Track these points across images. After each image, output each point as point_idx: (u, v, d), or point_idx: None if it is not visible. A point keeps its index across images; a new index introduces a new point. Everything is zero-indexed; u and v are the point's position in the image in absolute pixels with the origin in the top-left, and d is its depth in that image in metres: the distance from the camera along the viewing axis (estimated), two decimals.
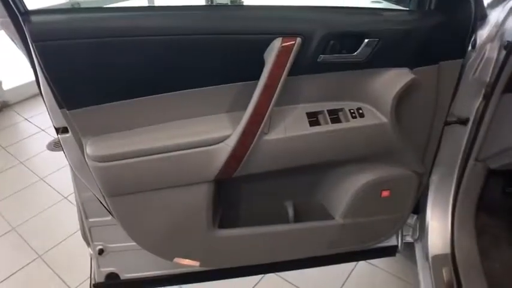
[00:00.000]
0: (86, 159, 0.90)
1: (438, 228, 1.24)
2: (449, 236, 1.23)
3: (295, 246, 1.13)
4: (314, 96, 0.94)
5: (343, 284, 1.60)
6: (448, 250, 1.22)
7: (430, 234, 1.25)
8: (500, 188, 1.28)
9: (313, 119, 0.94)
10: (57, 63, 0.80)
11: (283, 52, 0.83)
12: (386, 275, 1.63)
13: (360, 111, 0.95)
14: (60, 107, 0.88)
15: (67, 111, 0.86)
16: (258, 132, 0.89)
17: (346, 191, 1.08)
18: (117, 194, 0.94)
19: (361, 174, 1.06)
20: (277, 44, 0.83)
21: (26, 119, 2.89)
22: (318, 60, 0.87)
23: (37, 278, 1.70)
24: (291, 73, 0.86)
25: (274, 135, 0.91)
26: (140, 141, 0.89)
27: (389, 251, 1.32)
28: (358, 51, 0.87)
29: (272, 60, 0.83)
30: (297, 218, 1.15)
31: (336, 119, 0.94)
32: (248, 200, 1.12)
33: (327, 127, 0.93)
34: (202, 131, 0.90)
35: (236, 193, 1.10)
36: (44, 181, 2.28)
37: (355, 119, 0.94)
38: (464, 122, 1.12)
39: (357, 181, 1.06)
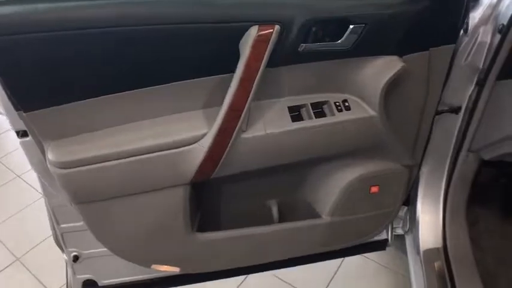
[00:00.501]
0: (48, 165, 0.82)
1: (429, 221, 1.20)
2: (440, 229, 1.19)
3: (281, 247, 1.07)
4: (296, 89, 0.87)
5: (332, 277, 1.56)
6: (439, 244, 1.18)
7: (420, 227, 1.20)
8: (492, 177, 1.23)
9: (296, 113, 0.87)
10: (7, 61, 0.71)
11: (260, 41, 0.75)
12: (376, 266, 1.59)
13: (346, 103, 0.88)
14: (17, 109, 0.79)
15: (24, 114, 0.78)
16: (236, 130, 0.81)
17: (332, 187, 1.02)
18: (85, 202, 0.87)
19: (348, 170, 0.99)
20: (253, 32, 0.75)
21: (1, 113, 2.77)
22: (299, 49, 0.79)
23: (16, 282, 1.63)
24: (270, 64, 0.78)
25: (253, 132, 0.84)
26: (106, 145, 0.81)
27: (379, 245, 1.28)
28: (342, 38, 0.80)
29: (248, 50, 0.75)
30: (282, 217, 1.09)
31: (320, 113, 0.87)
32: (229, 201, 1.05)
33: (310, 122, 0.86)
34: (174, 131, 0.82)
35: (216, 194, 1.04)
36: (22, 178, 2.19)
37: (340, 113, 0.87)
38: (455, 110, 1.06)
39: (344, 177, 1.00)
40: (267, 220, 1.08)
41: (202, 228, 1.02)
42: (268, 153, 0.87)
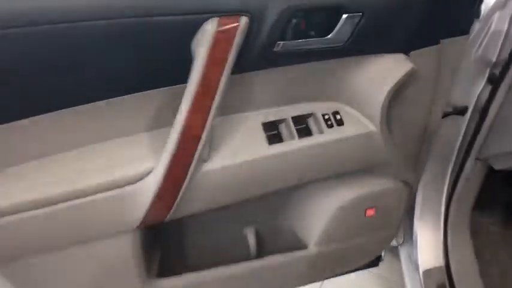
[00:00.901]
0: None
1: (429, 236, 1.05)
2: (441, 245, 1.04)
3: (260, 285, 0.89)
4: (272, 100, 0.67)
5: (321, 285, 1.41)
6: (441, 262, 1.03)
7: (419, 244, 1.05)
8: (498, 184, 1.09)
9: (273, 132, 0.66)
10: None
11: (221, 40, 0.54)
12: (368, 275, 1.45)
13: (338, 116, 0.68)
14: None
15: None
16: (194, 161, 0.61)
17: (320, 213, 0.84)
18: (5, 261, 0.64)
19: (338, 192, 0.81)
20: (210, 28, 0.53)
21: None
22: (275, 49, 0.59)
23: None
24: (236, 70, 0.57)
25: (217, 162, 0.63)
26: (21, 189, 0.59)
27: (371, 262, 1.12)
28: (333, 32, 0.60)
29: (204, 53, 0.54)
30: (261, 249, 0.90)
31: (304, 130, 0.67)
32: (196, 233, 0.85)
33: (292, 144, 0.66)
34: (111, 166, 0.61)
35: (179, 226, 0.83)
36: None
37: (331, 129, 0.68)
38: (462, 111, 0.89)
39: (334, 201, 0.81)
40: (243, 253, 0.88)
41: (165, 270, 0.82)
42: (239, 186, 0.67)
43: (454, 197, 0.98)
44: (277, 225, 0.90)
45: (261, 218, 0.88)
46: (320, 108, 0.68)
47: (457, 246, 1.03)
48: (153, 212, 0.63)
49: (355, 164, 0.73)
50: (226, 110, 0.63)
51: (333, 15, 0.59)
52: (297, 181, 0.72)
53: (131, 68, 0.56)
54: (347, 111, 0.69)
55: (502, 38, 0.79)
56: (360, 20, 0.59)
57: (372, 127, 0.68)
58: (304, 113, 0.68)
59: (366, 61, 0.65)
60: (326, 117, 0.68)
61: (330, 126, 0.67)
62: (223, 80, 0.57)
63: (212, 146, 0.63)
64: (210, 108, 0.58)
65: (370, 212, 0.85)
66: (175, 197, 0.63)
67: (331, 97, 0.68)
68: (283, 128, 0.68)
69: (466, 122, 0.89)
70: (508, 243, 1.14)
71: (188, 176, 0.61)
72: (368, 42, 0.63)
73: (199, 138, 0.59)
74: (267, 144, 0.65)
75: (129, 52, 0.54)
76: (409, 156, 0.81)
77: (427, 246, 1.05)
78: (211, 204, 0.68)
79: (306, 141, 0.66)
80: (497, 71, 0.81)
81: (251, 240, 0.89)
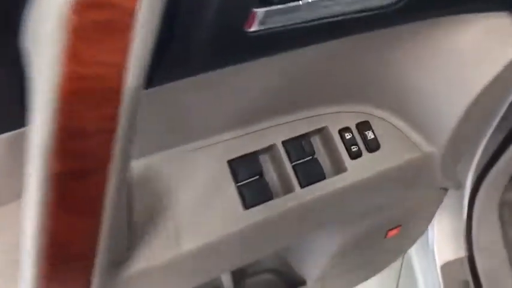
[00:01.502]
0: None
1: (449, 222, 0.83)
2: (463, 233, 0.82)
3: None
4: (244, 113, 0.34)
5: None
6: (463, 253, 0.83)
7: (437, 231, 0.83)
8: None
9: (250, 179, 0.35)
10: None
11: (98, 26, 0.18)
12: None
13: (369, 133, 0.37)
14: None
15: None
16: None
17: (326, 244, 0.57)
18: None
19: (352, 220, 0.53)
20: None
21: None
22: (250, 32, 0.24)
23: None
24: (153, 80, 0.24)
25: (137, 264, 0.32)
26: None
27: None
28: None
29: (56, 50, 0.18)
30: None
31: (309, 169, 0.36)
32: None
33: (287, 202, 0.35)
34: None
35: None
36: None
37: (359, 159, 0.36)
38: None
39: (343, 234, 0.54)
40: None
41: None
42: (199, 271, 0.37)
43: (485, 180, 0.74)
44: (261, 264, 0.63)
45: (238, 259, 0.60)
46: (336, 118, 0.36)
47: (483, 233, 0.82)
48: None
49: (388, 199, 0.44)
50: (152, 145, 0.31)
51: None
52: (295, 239, 0.42)
53: None
54: (383, 122, 0.37)
55: None
56: None
57: (429, 147, 0.37)
58: (306, 130, 0.36)
59: (434, 28, 0.31)
60: (347, 136, 0.36)
61: (356, 155, 0.36)
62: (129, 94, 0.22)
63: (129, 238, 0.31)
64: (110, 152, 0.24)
65: (393, 232, 0.59)
66: None
67: (356, 97, 0.36)
68: (268, 167, 0.35)
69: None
70: None
71: None
72: None
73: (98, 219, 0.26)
74: (242, 208, 0.34)
75: None
76: (457, 159, 0.52)
77: (446, 233, 0.84)
78: None
79: (314, 192, 0.35)
80: None
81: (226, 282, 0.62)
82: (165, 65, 0.24)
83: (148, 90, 0.25)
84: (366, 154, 0.37)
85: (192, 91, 0.29)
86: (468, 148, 0.50)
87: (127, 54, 0.17)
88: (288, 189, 0.35)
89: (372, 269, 0.70)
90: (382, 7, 0.27)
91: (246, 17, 0.24)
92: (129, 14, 0.17)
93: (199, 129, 0.33)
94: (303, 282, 0.63)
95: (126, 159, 0.21)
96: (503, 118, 0.59)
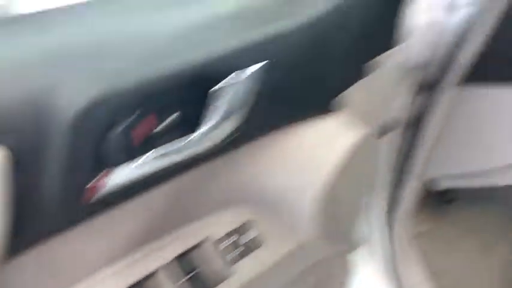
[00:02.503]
0: None
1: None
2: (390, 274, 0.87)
3: None
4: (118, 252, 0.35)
5: None
6: None
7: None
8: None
9: None
10: None
11: None
12: None
13: (250, 234, 0.40)
14: None
15: None
16: None
17: None
18: None
19: None
20: None
21: None
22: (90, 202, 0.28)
23: None
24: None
25: None
26: None
27: None
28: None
29: None
30: None
31: (194, 285, 0.37)
32: None
33: None
34: None
35: None
36: None
37: (243, 259, 0.39)
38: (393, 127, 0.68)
39: None
40: None
41: None
42: None
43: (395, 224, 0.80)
44: None
45: None
46: (213, 227, 0.39)
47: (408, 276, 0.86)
48: None
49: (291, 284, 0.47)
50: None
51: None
52: None
53: None
54: (261, 221, 0.40)
55: (433, 32, 0.57)
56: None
57: (309, 230, 0.41)
58: (184, 248, 0.37)
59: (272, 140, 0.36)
60: (228, 241, 0.39)
61: (238, 256, 0.39)
62: None
63: None
64: None
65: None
66: None
67: (231, 204, 0.39)
68: None
69: (399, 137, 0.69)
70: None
71: None
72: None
73: None
74: None
75: None
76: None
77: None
78: None
79: None
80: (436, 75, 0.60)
81: None
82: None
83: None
84: (248, 254, 0.40)
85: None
86: (347, 212, 0.53)
87: None
88: None
89: None
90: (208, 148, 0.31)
91: (82, 193, 0.27)
92: None
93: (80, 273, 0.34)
94: None
95: None
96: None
